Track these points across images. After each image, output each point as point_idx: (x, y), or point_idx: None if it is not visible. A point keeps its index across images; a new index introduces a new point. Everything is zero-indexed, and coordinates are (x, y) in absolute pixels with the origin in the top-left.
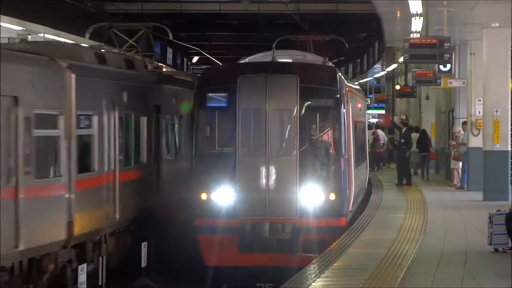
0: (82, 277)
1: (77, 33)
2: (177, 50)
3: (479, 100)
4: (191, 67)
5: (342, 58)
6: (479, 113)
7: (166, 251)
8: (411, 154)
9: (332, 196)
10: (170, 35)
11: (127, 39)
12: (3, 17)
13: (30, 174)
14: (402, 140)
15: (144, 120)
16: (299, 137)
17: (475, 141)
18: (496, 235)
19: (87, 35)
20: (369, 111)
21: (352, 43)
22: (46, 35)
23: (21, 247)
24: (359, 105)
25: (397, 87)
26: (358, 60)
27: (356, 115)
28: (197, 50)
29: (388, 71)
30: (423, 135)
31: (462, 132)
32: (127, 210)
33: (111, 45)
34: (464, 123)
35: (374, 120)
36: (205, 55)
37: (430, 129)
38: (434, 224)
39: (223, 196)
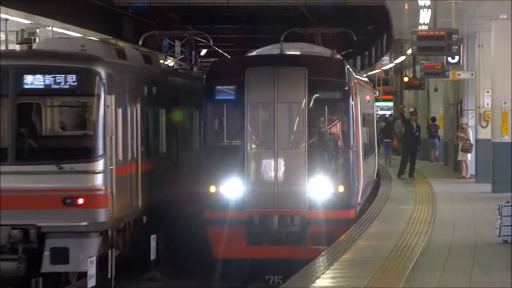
0: (92, 269)
1: (85, 27)
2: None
3: (488, 92)
4: (199, 60)
5: (350, 51)
6: (488, 105)
7: (175, 244)
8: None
9: (341, 189)
10: (211, 41)
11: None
12: (11, 10)
13: None
14: (417, 133)
15: None
16: (308, 129)
17: (484, 133)
18: (505, 227)
19: (140, 42)
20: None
21: (360, 35)
22: (55, 29)
23: None
24: (368, 97)
25: (406, 79)
26: (366, 53)
27: (364, 107)
28: (205, 43)
29: (396, 63)
30: (389, 124)
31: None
32: None
33: (159, 51)
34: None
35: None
36: (213, 48)
37: (439, 121)
38: (443, 216)
39: (231, 188)
